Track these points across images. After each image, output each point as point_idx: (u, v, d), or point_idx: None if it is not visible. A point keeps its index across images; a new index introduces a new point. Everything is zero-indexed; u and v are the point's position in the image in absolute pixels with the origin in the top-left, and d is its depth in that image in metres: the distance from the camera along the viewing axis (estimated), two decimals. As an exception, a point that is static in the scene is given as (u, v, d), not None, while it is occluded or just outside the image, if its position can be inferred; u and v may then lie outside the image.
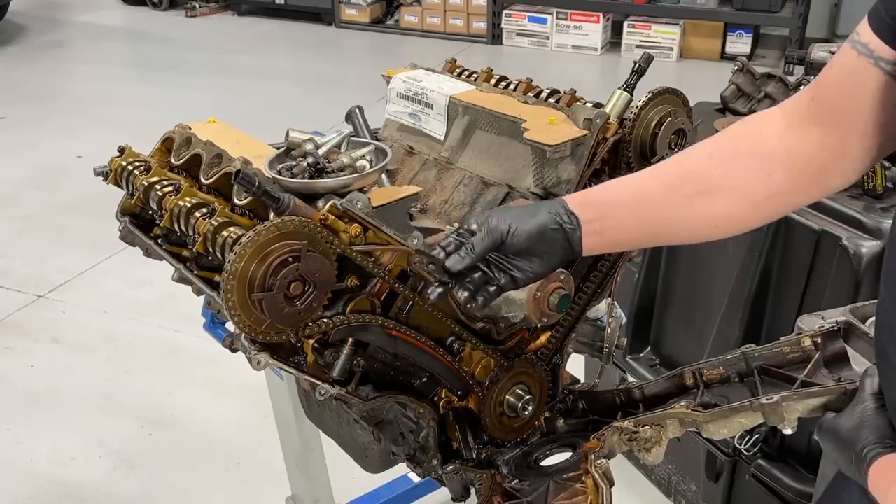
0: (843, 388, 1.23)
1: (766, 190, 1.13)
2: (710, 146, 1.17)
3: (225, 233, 1.20)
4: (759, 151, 1.13)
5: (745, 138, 1.15)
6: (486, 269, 1.16)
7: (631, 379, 2.47)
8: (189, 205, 1.29)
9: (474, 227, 1.17)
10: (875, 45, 1.02)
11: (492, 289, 1.16)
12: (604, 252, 1.45)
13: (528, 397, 1.48)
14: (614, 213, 1.18)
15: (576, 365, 1.97)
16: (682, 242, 1.26)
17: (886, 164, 2.10)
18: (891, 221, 1.09)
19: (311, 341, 1.25)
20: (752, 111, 2.59)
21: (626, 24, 7.17)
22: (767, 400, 1.23)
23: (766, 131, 1.13)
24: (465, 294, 1.16)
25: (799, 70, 3.38)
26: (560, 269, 1.35)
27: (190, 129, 1.46)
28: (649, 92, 1.50)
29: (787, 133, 1.11)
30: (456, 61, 1.78)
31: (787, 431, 1.25)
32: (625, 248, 1.39)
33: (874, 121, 1.06)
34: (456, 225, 1.21)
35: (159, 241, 1.45)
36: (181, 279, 1.41)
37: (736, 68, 2.66)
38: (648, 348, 2.67)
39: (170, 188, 1.35)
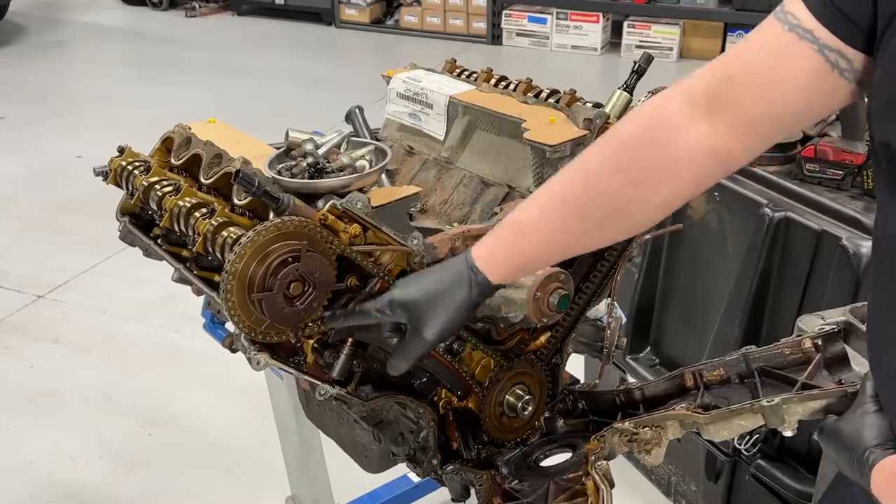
0: (844, 390, 1.23)
1: (677, 198, 1.10)
2: (618, 156, 1.10)
3: (225, 233, 1.20)
4: (672, 159, 1.06)
5: (655, 144, 1.08)
6: None
7: (631, 379, 2.47)
8: (189, 205, 1.29)
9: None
10: (820, 33, 0.97)
11: None
12: None
13: (527, 397, 1.48)
14: (528, 263, 1.16)
15: (576, 365, 1.97)
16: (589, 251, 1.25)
17: (886, 164, 2.10)
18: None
19: (311, 341, 1.25)
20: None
21: (625, 24, 7.17)
22: (768, 402, 1.23)
23: (674, 127, 1.06)
24: None
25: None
26: (560, 269, 1.35)
27: (190, 129, 1.46)
28: (649, 92, 1.50)
29: (696, 127, 1.05)
30: (456, 61, 1.78)
31: (788, 433, 1.25)
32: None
33: (797, 112, 1.02)
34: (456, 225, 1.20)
35: (159, 241, 1.45)
36: (181, 279, 1.41)
37: (736, 68, 2.65)
38: (648, 348, 2.67)
39: (169, 188, 1.35)
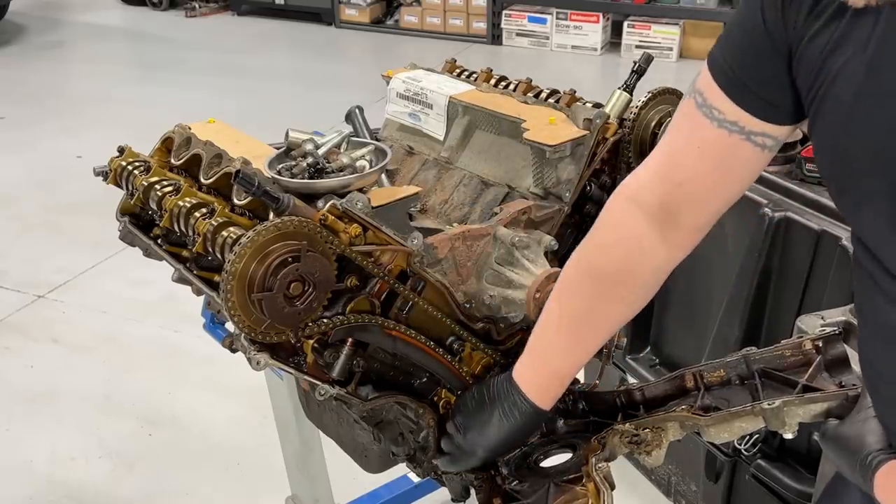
0: (845, 393, 1.22)
1: (646, 293, 1.22)
2: (587, 285, 1.21)
3: (225, 233, 1.20)
4: (635, 267, 1.18)
5: (626, 266, 1.18)
6: None
7: (631, 379, 2.48)
8: (189, 205, 1.29)
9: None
10: (745, 121, 1.01)
11: None
12: None
13: (528, 398, 1.47)
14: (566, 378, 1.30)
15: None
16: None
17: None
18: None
19: (311, 341, 1.24)
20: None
21: (625, 24, 7.17)
22: (769, 404, 1.23)
23: (640, 250, 1.17)
24: None
25: (799, 70, 3.37)
26: (559, 269, 1.35)
27: (190, 129, 1.46)
28: (649, 92, 1.50)
29: (660, 247, 1.16)
30: (456, 61, 1.78)
31: (788, 436, 1.24)
32: None
33: (741, 190, 1.11)
34: (456, 225, 1.22)
35: (159, 241, 1.44)
36: (181, 279, 1.41)
37: (736, 68, 2.65)
38: (648, 348, 2.67)
39: (169, 188, 1.35)
